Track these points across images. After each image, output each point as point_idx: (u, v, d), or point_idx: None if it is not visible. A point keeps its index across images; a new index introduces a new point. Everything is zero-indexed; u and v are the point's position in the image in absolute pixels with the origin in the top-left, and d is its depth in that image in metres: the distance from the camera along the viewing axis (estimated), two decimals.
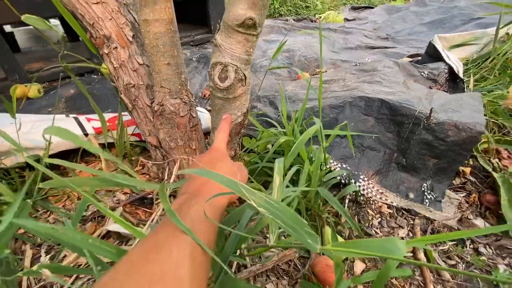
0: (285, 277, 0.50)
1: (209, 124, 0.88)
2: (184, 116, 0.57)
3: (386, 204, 0.64)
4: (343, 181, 0.64)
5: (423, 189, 0.66)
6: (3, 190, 0.52)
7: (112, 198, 0.68)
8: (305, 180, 0.52)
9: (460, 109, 0.68)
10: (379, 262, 0.53)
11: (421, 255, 0.53)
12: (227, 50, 0.45)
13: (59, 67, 1.42)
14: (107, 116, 0.81)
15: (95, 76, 1.41)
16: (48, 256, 0.54)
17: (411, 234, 0.58)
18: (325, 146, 0.51)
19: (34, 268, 0.39)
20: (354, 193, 0.65)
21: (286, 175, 0.48)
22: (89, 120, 0.77)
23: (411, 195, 0.65)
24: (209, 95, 1.12)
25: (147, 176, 0.76)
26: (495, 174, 0.68)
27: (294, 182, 0.62)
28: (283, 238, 0.57)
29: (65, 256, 0.54)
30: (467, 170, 0.73)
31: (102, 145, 0.77)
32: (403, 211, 0.63)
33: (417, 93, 0.79)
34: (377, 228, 0.59)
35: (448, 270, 0.21)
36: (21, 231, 0.59)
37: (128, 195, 0.69)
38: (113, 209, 0.64)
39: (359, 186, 0.64)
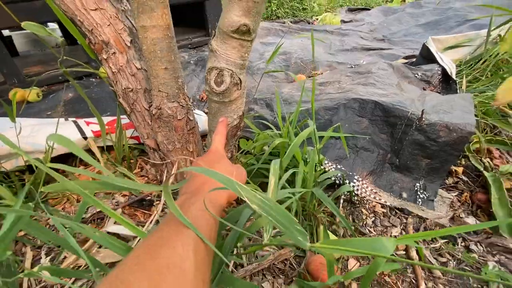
0: (281, 276, 0.51)
1: (206, 126, 0.89)
2: (182, 119, 0.59)
3: (380, 203, 0.65)
4: (337, 181, 0.66)
5: (416, 188, 0.67)
6: (4, 193, 0.53)
7: (111, 201, 0.69)
8: (301, 181, 0.53)
9: (452, 110, 0.70)
10: (372, 260, 0.54)
11: (413, 253, 0.54)
12: (222, 55, 0.47)
13: (58, 70, 1.44)
14: (106, 119, 0.82)
15: (93, 80, 1.42)
16: (49, 258, 0.55)
17: (404, 233, 0.59)
18: (319, 147, 0.53)
19: (35, 269, 0.40)
20: (348, 193, 0.66)
21: (281, 177, 0.50)
22: (88, 123, 0.78)
23: (404, 195, 0.66)
24: (206, 98, 1.13)
25: (146, 179, 0.77)
26: (486, 174, 0.69)
27: (290, 182, 0.64)
28: (278, 237, 0.58)
29: (65, 257, 0.55)
30: (460, 169, 0.75)
31: (101, 148, 0.78)
32: (397, 210, 0.64)
33: (410, 94, 0.80)
34: (371, 227, 0.60)
35: (434, 267, 0.22)
36: (22, 233, 0.60)
37: (127, 197, 0.70)
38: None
39: (354, 186, 0.66)
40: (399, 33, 2.33)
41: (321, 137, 0.62)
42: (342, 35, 2.20)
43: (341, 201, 0.65)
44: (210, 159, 0.42)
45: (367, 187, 0.67)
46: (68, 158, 0.81)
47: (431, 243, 0.57)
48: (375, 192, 0.67)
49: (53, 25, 2.15)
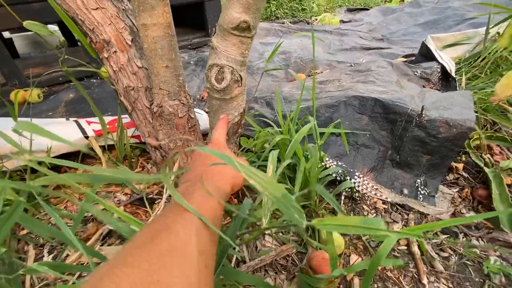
0: (283, 272, 0.52)
1: (207, 125, 0.89)
2: (183, 117, 0.59)
3: (381, 199, 0.65)
4: (338, 178, 0.66)
5: (417, 184, 0.67)
6: (7, 192, 0.54)
7: (113, 199, 0.69)
8: (302, 177, 0.53)
9: (451, 106, 0.70)
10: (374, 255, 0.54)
11: (415, 248, 0.54)
12: (223, 52, 0.47)
13: (59, 71, 1.44)
14: (107, 119, 0.82)
15: (94, 80, 1.43)
16: (51, 256, 0.55)
17: (409, 227, 0.59)
18: (320, 144, 0.53)
19: (34, 265, 0.41)
20: (349, 190, 0.66)
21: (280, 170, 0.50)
22: (89, 123, 0.78)
23: (405, 191, 0.67)
24: (207, 97, 1.14)
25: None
26: (486, 169, 0.69)
27: (291, 179, 0.64)
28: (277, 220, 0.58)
29: (67, 255, 0.56)
30: (460, 166, 0.75)
31: (103, 147, 0.78)
32: (398, 207, 0.64)
33: (410, 91, 0.81)
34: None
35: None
36: (24, 232, 0.60)
37: (128, 195, 0.70)
38: None
39: (354, 183, 0.66)
40: (398, 33, 2.33)
41: (322, 134, 0.62)
42: (341, 35, 2.21)
43: (342, 197, 0.65)
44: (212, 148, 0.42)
45: (368, 183, 0.67)
46: (69, 158, 0.81)
47: (432, 239, 0.57)
48: (376, 189, 0.67)
49: (52, 27, 2.15)
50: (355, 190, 0.65)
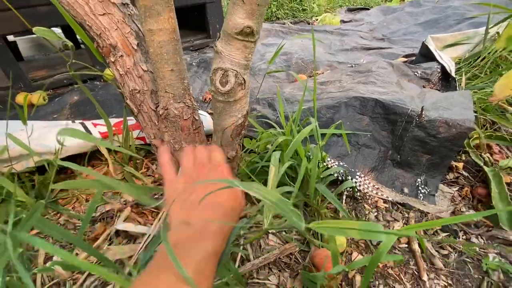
0: (286, 270, 0.53)
1: (210, 126, 0.91)
2: (188, 119, 0.60)
3: (382, 199, 0.67)
4: (340, 178, 0.67)
5: (417, 184, 0.68)
6: (18, 193, 0.55)
7: (119, 200, 0.71)
8: (303, 176, 0.55)
9: (451, 106, 0.71)
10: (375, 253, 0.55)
11: (416, 246, 0.55)
12: (227, 56, 0.49)
13: (64, 74, 1.46)
14: (112, 121, 0.83)
15: (98, 83, 1.44)
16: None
17: (408, 226, 0.61)
18: (321, 144, 0.54)
19: (48, 264, 0.42)
20: (351, 189, 0.68)
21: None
22: (95, 125, 0.80)
23: (406, 190, 0.68)
24: (209, 98, 1.15)
25: (152, 178, 0.79)
26: (486, 168, 0.70)
27: (293, 179, 0.65)
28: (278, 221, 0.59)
29: (76, 254, 0.57)
30: (460, 165, 0.76)
31: (108, 149, 0.80)
32: (398, 205, 0.66)
33: (410, 92, 0.82)
34: (373, 222, 0.62)
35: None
36: (34, 231, 0.62)
37: None
38: (120, 210, 0.67)
39: (356, 182, 0.67)
40: (399, 32, 2.34)
41: (323, 135, 0.63)
42: (342, 35, 2.22)
43: (344, 197, 0.67)
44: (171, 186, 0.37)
45: (369, 183, 0.68)
46: (75, 159, 0.83)
47: (432, 236, 0.58)
48: (377, 188, 0.68)
49: (56, 30, 2.18)
50: (356, 189, 0.67)
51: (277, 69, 1.36)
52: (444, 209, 0.64)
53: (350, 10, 3.42)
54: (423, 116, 0.66)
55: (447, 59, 1.06)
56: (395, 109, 0.70)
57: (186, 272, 0.22)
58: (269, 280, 0.51)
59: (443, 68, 1.01)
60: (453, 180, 0.73)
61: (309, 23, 2.78)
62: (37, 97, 1.27)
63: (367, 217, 0.63)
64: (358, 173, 0.69)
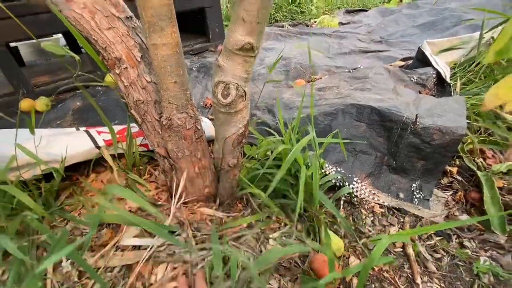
0: (286, 274, 0.55)
1: (211, 132, 0.93)
2: (190, 128, 0.63)
3: (378, 204, 0.69)
4: (338, 184, 0.70)
5: (412, 189, 0.71)
6: (28, 202, 0.57)
7: (124, 206, 0.73)
8: (303, 184, 0.57)
9: (445, 113, 0.74)
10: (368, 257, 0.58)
11: (410, 250, 0.58)
12: (228, 70, 0.51)
13: (65, 79, 1.48)
14: (116, 128, 0.86)
15: (100, 88, 1.46)
16: (69, 261, 0.59)
17: (401, 231, 0.63)
18: (319, 153, 0.56)
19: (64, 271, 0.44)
20: (348, 195, 0.70)
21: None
22: (99, 133, 0.82)
23: (401, 195, 0.70)
24: (210, 104, 1.17)
25: (155, 184, 0.81)
26: (479, 173, 0.73)
27: (293, 186, 0.68)
28: None
29: (84, 260, 0.59)
30: (454, 169, 0.78)
31: (113, 156, 0.82)
32: (394, 210, 0.68)
33: (405, 98, 0.84)
34: (370, 227, 0.64)
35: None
36: (42, 238, 0.64)
37: None
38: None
39: (353, 188, 0.69)
40: (396, 34, 2.36)
41: (321, 143, 0.66)
42: (340, 37, 2.25)
43: (342, 202, 0.69)
44: None
45: (366, 188, 0.71)
46: (79, 166, 0.85)
47: (426, 240, 0.60)
48: (374, 193, 0.70)
49: (57, 35, 2.19)
50: (353, 195, 0.69)
51: (276, 74, 1.38)
52: (438, 213, 0.66)
53: (348, 12, 3.44)
54: (417, 123, 0.68)
55: (443, 64, 1.08)
56: (391, 116, 0.72)
57: None
58: (270, 284, 0.53)
59: (438, 74, 1.03)
60: (447, 184, 0.76)
61: (307, 25, 2.80)
62: (40, 103, 1.29)
63: (363, 222, 0.65)
64: (355, 179, 0.71)
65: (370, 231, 0.63)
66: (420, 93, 1.00)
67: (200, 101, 1.22)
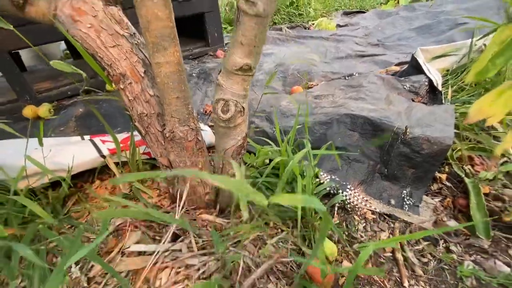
0: (283, 279, 0.59)
1: (211, 140, 0.96)
2: (192, 140, 0.66)
3: (370, 210, 0.73)
4: (332, 191, 0.73)
5: (403, 195, 0.74)
6: (37, 210, 0.61)
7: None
8: (300, 191, 0.60)
9: (434, 123, 0.77)
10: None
11: (399, 255, 0.61)
12: (228, 89, 0.54)
13: (66, 85, 1.50)
14: (119, 136, 0.89)
15: (101, 94, 1.49)
16: (78, 267, 0.62)
17: (391, 236, 0.67)
18: (313, 164, 0.60)
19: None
20: (342, 201, 0.74)
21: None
22: (104, 142, 0.85)
23: (392, 202, 0.74)
24: (209, 111, 1.21)
25: (158, 191, 0.85)
26: (467, 180, 0.77)
27: (288, 192, 0.71)
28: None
29: (92, 266, 0.63)
30: (443, 176, 0.82)
31: (116, 164, 0.85)
32: (385, 216, 0.72)
33: (398, 107, 0.87)
34: (362, 232, 0.68)
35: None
36: (52, 244, 0.67)
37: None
38: (129, 224, 0.72)
39: (346, 195, 0.73)
40: (393, 37, 2.39)
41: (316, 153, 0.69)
42: (337, 41, 2.28)
43: (336, 208, 0.73)
44: None
45: (359, 195, 0.74)
46: (84, 173, 0.89)
47: (415, 245, 0.64)
48: (366, 200, 0.74)
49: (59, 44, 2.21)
50: (347, 202, 0.72)
51: (274, 80, 1.42)
52: (426, 219, 0.70)
53: (346, 13, 3.47)
54: (407, 133, 0.72)
55: (435, 72, 1.12)
56: (382, 126, 0.76)
57: None
58: None
59: (430, 82, 1.07)
60: (437, 190, 0.79)
61: (305, 28, 2.83)
62: (43, 110, 1.32)
63: (356, 228, 0.69)
64: (348, 186, 0.75)
65: (362, 236, 0.67)
66: (413, 100, 1.04)
67: (200, 108, 1.25)
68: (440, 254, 0.62)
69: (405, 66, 1.44)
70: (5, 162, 0.73)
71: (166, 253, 0.63)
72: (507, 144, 0.54)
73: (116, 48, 0.63)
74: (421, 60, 1.18)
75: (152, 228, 0.71)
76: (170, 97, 0.61)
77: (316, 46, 2.13)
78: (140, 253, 0.65)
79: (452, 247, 0.64)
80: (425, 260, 0.61)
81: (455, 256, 0.62)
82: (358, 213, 0.72)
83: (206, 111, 1.21)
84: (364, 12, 3.37)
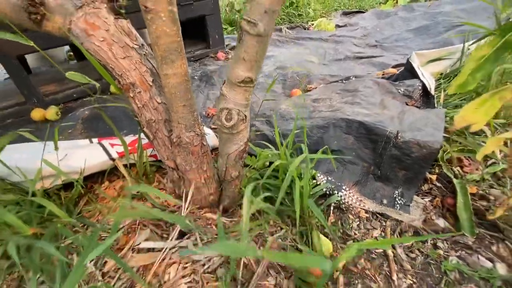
0: (282, 272, 0.64)
1: (213, 142, 1.01)
2: (197, 145, 0.71)
3: (364, 209, 0.77)
4: (328, 192, 0.78)
5: (394, 195, 0.79)
6: (56, 210, 0.66)
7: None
8: (298, 196, 0.65)
9: (425, 127, 0.82)
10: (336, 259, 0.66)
11: (389, 251, 0.66)
12: (231, 99, 0.59)
13: (72, 88, 1.54)
14: (126, 139, 0.94)
15: (106, 96, 1.54)
16: (93, 262, 0.67)
17: (383, 234, 0.72)
18: (310, 167, 0.65)
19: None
20: (337, 201, 0.78)
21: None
22: (112, 145, 0.90)
23: (385, 201, 0.79)
24: (212, 114, 1.25)
25: (164, 191, 0.89)
26: (455, 180, 0.81)
27: (288, 194, 0.76)
28: None
29: (105, 262, 0.68)
30: (434, 177, 0.87)
31: (125, 166, 0.90)
32: (378, 215, 0.77)
33: (391, 112, 0.92)
34: (355, 230, 0.73)
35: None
36: (67, 242, 0.72)
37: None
38: (138, 223, 0.77)
39: (341, 195, 0.78)
40: (391, 38, 2.43)
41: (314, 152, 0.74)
42: (336, 42, 2.31)
43: (332, 208, 0.78)
44: None
45: (353, 195, 0.79)
46: (93, 175, 0.93)
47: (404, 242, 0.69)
48: (360, 200, 0.79)
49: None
50: (342, 202, 0.77)
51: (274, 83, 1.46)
52: (416, 218, 0.75)
53: (345, 13, 3.50)
54: (399, 138, 0.77)
55: (428, 76, 1.16)
56: (376, 131, 0.81)
57: None
58: (268, 281, 0.62)
59: (424, 86, 1.11)
60: (427, 190, 0.84)
61: (305, 28, 2.87)
62: (51, 112, 1.37)
63: (351, 226, 0.74)
64: (344, 187, 0.80)
65: (355, 234, 0.72)
66: (407, 104, 1.08)
67: (202, 111, 1.30)
68: (428, 250, 0.67)
69: (402, 69, 1.49)
70: (20, 165, 0.78)
71: (174, 250, 0.68)
72: (487, 150, 0.59)
73: (127, 59, 0.68)
74: (415, 64, 1.22)
75: (160, 226, 0.75)
76: (177, 105, 0.65)
77: (315, 47, 2.17)
78: (149, 250, 0.70)
79: (439, 244, 0.69)
80: (413, 255, 0.66)
81: (441, 252, 0.67)
82: (353, 212, 0.77)
83: (208, 114, 1.26)
84: (363, 12, 3.40)
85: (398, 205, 0.77)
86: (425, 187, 0.85)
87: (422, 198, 0.81)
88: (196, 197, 0.80)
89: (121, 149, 0.88)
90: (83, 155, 0.83)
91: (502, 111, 1.04)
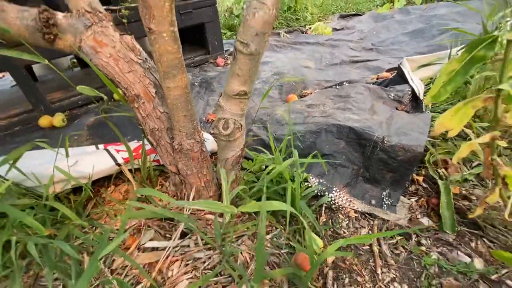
0: (277, 268, 0.69)
1: (212, 147, 1.07)
2: (197, 151, 0.77)
3: (353, 209, 0.83)
4: (319, 193, 0.84)
5: (382, 196, 0.85)
6: (68, 213, 0.71)
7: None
8: (290, 197, 0.71)
9: (411, 132, 0.87)
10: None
11: (375, 248, 0.72)
12: (227, 109, 0.65)
13: (77, 95, 1.60)
14: (131, 145, 0.99)
15: (110, 103, 1.60)
16: (102, 260, 0.73)
17: (370, 232, 0.77)
18: (301, 171, 0.70)
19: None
20: (328, 202, 0.84)
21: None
22: (118, 151, 0.96)
23: (373, 202, 0.84)
24: (211, 120, 1.31)
25: (167, 194, 0.95)
26: (439, 181, 0.87)
27: (282, 195, 0.82)
28: None
29: (113, 260, 0.74)
30: (420, 178, 0.92)
31: (130, 170, 0.96)
32: (366, 215, 0.82)
33: (380, 117, 0.98)
34: (345, 229, 0.78)
35: None
36: (78, 242, 0.78)
37: None
38: (143, 224, 0.83)
39: (332, 196, 0.83)
40: (387, 41, 2.48)
41: (306, 157, 0.80)
42: (332, 46, 2.37)
43: (323, 208, 0.83)
44: None
45: (343, 196, 0.85)
46: (100, 179, 0.99)
47: (390, 239, 0.74)
48: (350, 201, 0.84)
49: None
50: (332, 202, 0.83)
51: (270, 89, 1.51)
52: (402, 217, 0.80)
53: (343, 16, 3.55)
54: (385, 142, 0.82)
55: (418, 81, 1.21)
56: (364, 136, 0.86)
57: None
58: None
59: (413, 91, 1.17)
60: (414, 191, 0.89)
61: (303, 32, 2.92)
62: (57, 119, 1.43)
63: (340, 225, 0.79)
64: (334, 188, 0.85)
65: (345, 232, 0.77)
66: (397, 109, 1.14)
67: (202, 116, 1.36)
68: (411, 247, 0.72)
69: (395, 71, 1.54)
70: (33, 170, 0.84)
71: (176, 249, 0.74)
72: (462, 154, 0.65)
73: (132, 73, 0.74)
74: (405, 70, 1.28)
75: (163, 227, 0.81)
76: (178, 115, 0.71)
77: (312, 52, 2.22)
78: (153, 249, 0.76)
79: (423, 241, 0.75)
80: (397, 252, 0.71)
81: (424, 248, 0.72)
82: (343, 212, 0.82)
83: (208, 120, 1.31)
84: (360, 15, 3.45)
85: (385, 205, 0.83)
86: (412, 188, 0.91)
87: (409, 199, 0.86)
88: (197, 199, 0.85)
89: (126, 154, 0.94)
90: (91, 161, 0.89)
91: (489, 115, 1.09)
